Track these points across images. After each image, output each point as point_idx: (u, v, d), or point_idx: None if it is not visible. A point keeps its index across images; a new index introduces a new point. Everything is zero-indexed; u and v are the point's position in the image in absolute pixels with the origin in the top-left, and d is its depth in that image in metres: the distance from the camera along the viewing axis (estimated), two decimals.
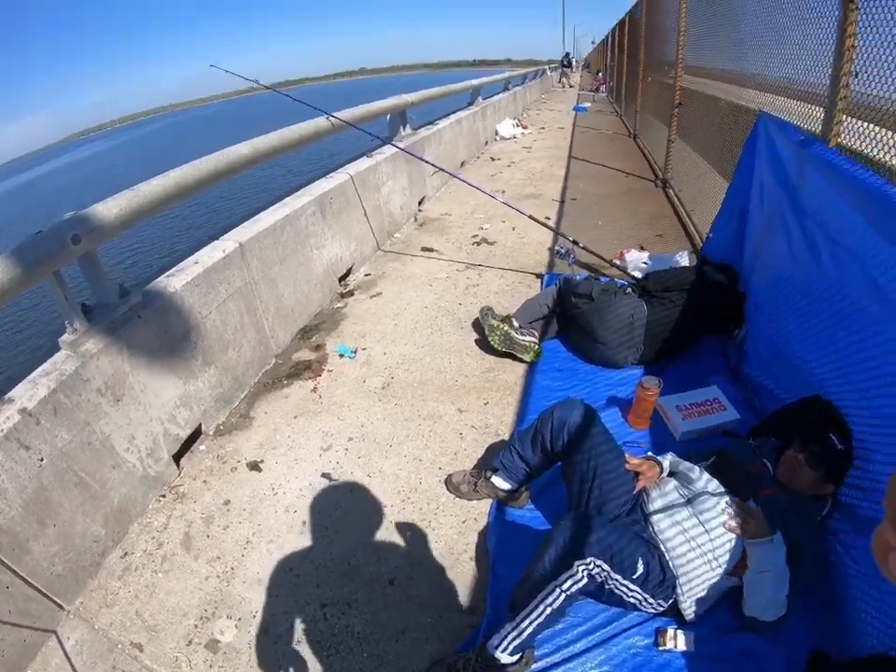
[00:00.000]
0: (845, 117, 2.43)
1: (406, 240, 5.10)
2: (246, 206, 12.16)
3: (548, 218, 5.53)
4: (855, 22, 2.27)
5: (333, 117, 4.23)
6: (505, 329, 3.14)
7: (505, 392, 2.90)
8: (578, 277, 3.43)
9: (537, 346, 3.15)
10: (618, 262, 4.28)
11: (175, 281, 2.56)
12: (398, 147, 5.05)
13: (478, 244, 4.93)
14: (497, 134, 10.71)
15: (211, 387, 2.72)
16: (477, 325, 3.49)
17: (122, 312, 2.27)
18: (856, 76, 2.32)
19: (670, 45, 6.77)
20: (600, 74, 26.67)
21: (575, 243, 4.18)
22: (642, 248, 4.61)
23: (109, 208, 2.23)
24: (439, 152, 6.76)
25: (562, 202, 6.29)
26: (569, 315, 3.17)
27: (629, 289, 3.23)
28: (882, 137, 2.09)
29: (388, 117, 5.63)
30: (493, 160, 8.85)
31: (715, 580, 1.67)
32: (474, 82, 9.53)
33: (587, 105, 17.44)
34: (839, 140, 2.46)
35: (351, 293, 4.07)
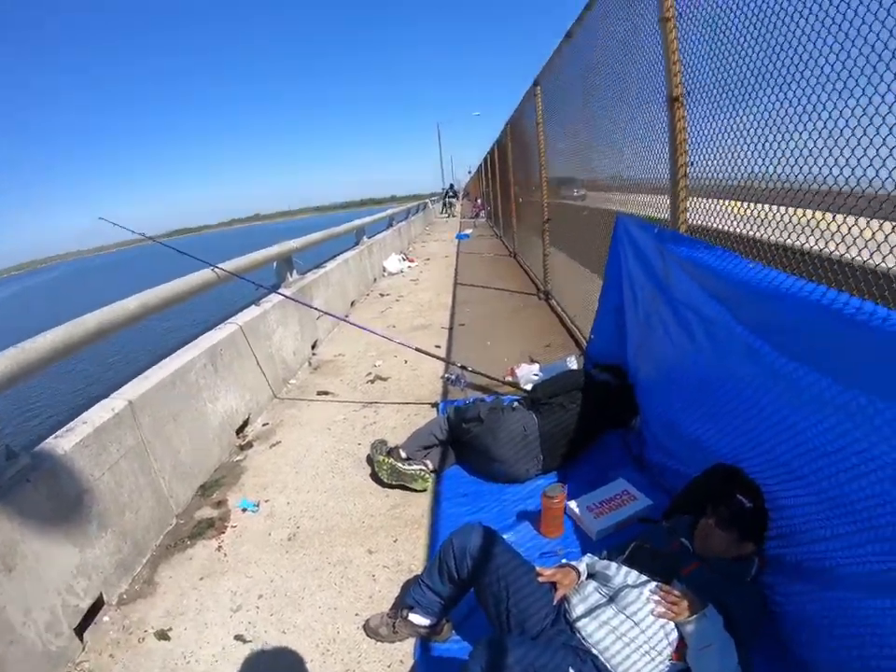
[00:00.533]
0: (689, 202, 2.85)
1: (302, 385, 5.24)
2: (136, 360, 12.12)
3: (438, 347, 5.86)
4: (683, 118, 2.76)
5: (218, 268, 4.43)
6: (390, 462, 3.25)
7: (413, 526, 2.97)
8: (468, 401, 3.64)
9: (426, 474, 3.25)
10: (510, 379, 4.54)
11: (65, 442, 2.53)
12: (283, 296, 5.27)
13: (372, 381, 5.13)
14: (384, 270, 11.33)
15: (110, 553, 2.64)
16: None
17: (10, 475, 2.22)
18: (691, 165, 2.77)
19: (533, 165, 7.63)
20: (479, 200, 28.32)
21: (464, 368, 4.46)
22: (532, 361, 4.96)
23: None
24: (328, 294, 7.09)
25: (450, 328, 6.70)
26: (464, 440, 3.28)
27: (516, 403, 3.43)
28: (717, 209, 2.51)
29: (275, 264, 5.86)
30: (382, 296, 9.32)
31: (659, 668, 1.64)
32: (357, 223, 10.13)
33: (469, 231, 18.72)
34: (688, 222, 2.85)
35: (250, 444, 4.11)
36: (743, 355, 2.09)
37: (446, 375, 4.55)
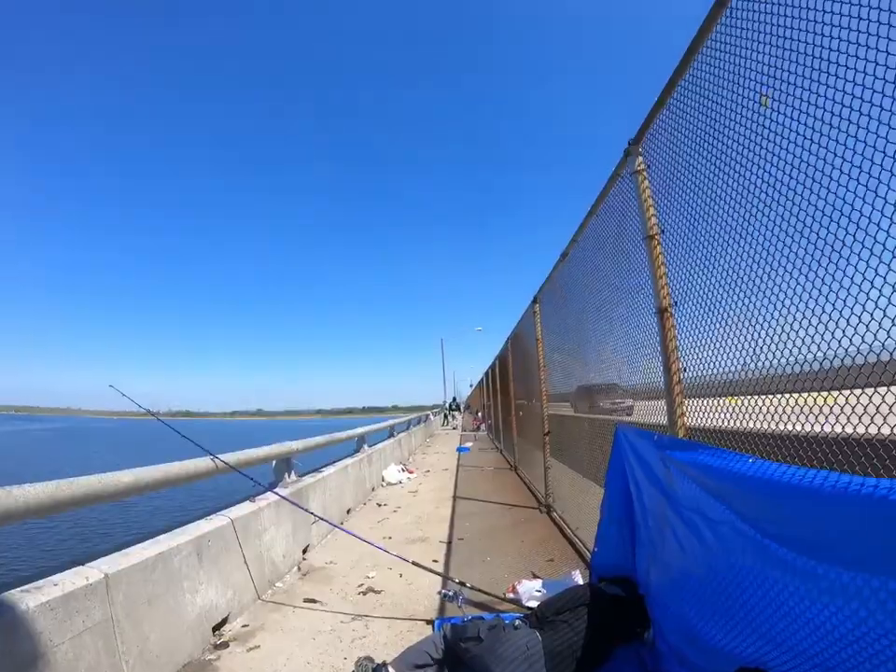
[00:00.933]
0: (685, 406, 2.97)
1: (288, 589, 4.97)
2: (120, 534, 11.75)
3: (435, 561, 5.67)
4: (674, 327, 2.98)
5: (218, 459, 4.40)
6: None
7: None
8: (466, 619, 3.46)
9: None
10: (511, 595, 4.35)
11: (30, 599, 2.44)
12: (280, 496, 5.18)
13: (364, 593, 4.88)
14: (383, 480, 11.21)
15: None
16: None
17: None
18: (684, 370, 2.93)
19: (533, 378, 7.96)
20: (479, 413, 29.25)
21: (462, 584, 4.30)
22: (535, 576, 4.82)
23: None
24: (325, 499, 6.97)
25: (449, 542, 6.49)
26: (462, 660, 3.07)
27: (518, 622, 3.25)
28: (712, 406, 2.66)
29: (273, 463, 5.82)
30: (380, 505, 9.13)
31: None
32: (359, 430, 10.24)
33: (469, 444, 18.96)
34: (686, 425, 2.95)
35: (226, 644, 3.82)
36: (753, 552, 2.07)
37: (443, 591, 4.32)
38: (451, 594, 4.18)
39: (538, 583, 4.50)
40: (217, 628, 3.96)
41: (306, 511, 5.46)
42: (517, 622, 3.26)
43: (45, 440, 66.24)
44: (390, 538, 6.70)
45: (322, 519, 5.53)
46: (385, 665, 3.17)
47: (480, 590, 4.23)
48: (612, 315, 4.24)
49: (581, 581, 4.28)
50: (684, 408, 2.97)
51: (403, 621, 4.21)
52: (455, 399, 37.96)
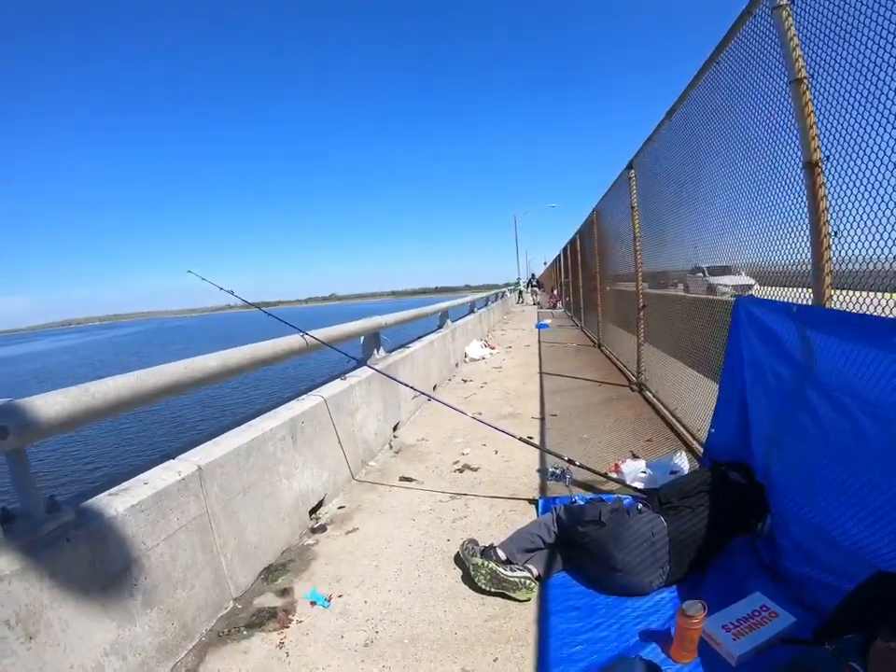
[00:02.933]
0: (834, 293, 2.51)
1: (382, 469, 4.91)
2: (211, 423, 12.09)
3: (531, 437, 5.40)
4: (824, 185, 2.49)
5: (308, 335, 4.25)
6: (490, 566, 2.90)
7: (517, 643, 2.52)
8: (578, 500, 3.34)
9: (530, 582, 2.85)
10: (615, 475, 4.17)
11: (118, 502, 2.27)
12: (374, 369, 5.07)
13: (460, 470, 4.75)
14: (466, 356, 11.10)
15: (152, 634, 2.31)
16: None
17: (49, 530, 1.96)
18: (835, 234, 2.45)
19: (626, 252, 7.55)
20: (555, 291, 29.05)
21: (570, 462, 4.04)
22: (635, 456, 4.60)
23: (50, 403, 2.03)
24: (413, 375, 6.84)
25: (542, 419, 6.29)
26: (578, 544, 2.92)
27: (640, 505, 3.03)
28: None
29: (362, 339, 5.72)
30: (465, 381, 9.02)
31: None
32: (443, 305, 10.03)
33: (548, 321, 18.68)
34: (832, 297, 2.51)
35: (323, 528, 3.76)
36: None
37: (551, 469, 4.15)
38: (558, 472, 4.04)
39: (641, 464, 4.28)
40: (313, 511, 3.90)
41: (400, 381, 5.33)
42: (640, 505, 3.02)
43: (127, 343, 69.34)
44: (480, 413, 6.50)
45: (420, 392, 5.33)
46: (493, 547, 3.02)
47: (586, 467, 3.99)
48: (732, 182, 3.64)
49: (684, 464, 4.13)
50: (831, 278, 2.51)
51: (505, 500, 4.06)
52: (533, 275, 37.90)
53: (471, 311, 14.44)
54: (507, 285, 41.24)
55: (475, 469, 4.73)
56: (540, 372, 9.28)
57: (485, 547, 3.06)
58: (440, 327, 10.08)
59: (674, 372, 5.60)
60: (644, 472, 4.14)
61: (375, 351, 5.86)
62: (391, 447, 5.46)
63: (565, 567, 3.02)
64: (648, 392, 6.94)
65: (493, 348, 12.10)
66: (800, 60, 2.59)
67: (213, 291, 4.38)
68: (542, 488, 4.24)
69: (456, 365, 10.22)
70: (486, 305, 18.23)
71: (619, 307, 9.14)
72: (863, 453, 2.18)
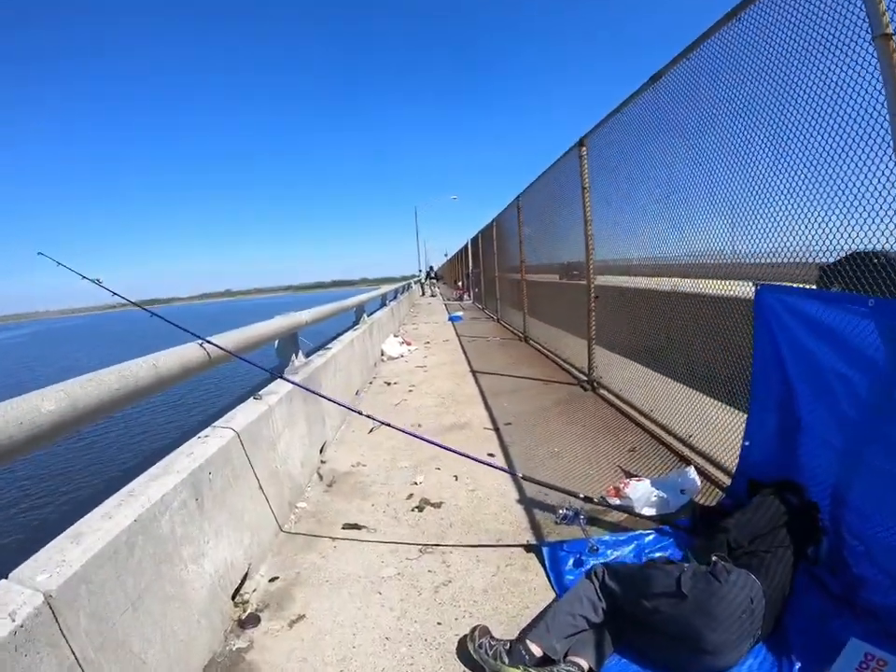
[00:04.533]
0: None
1: (316, 511, 3.76)
2: (69, 487, 7.68)
3: (492, 455, 4.49)
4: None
5: (210, 343, 3.10)
6: None
7: None
8: (595, 543, 2.91)
9: None
10: (616, 501, 3.44)
11: None
12: (295, 384, 3.88)
13: (419, 508, 3.72)
14: (383, 354, 10.00)
15: None
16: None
17: None
18: None
19: (569, 240, 7.17)
20: (459, 283, 29.31)
21: (588, 500, 3.18)
22: (629, 475, 3.91)
23: None
24: (336, 383, 5.70)
25: (496, 429, 5.36)
26: (643, 621, 2.26)
27: (718, 560, 2.34)
28: None
29: (277, 342, 4.50)
30: (388, 384, 7.94)
31: None
32: (362, 297, 9.14)
33: (460, 313, 18.00)
34: None
35: (256, 619, 2.61)
36: None
37: (562, 512, 3.25)
38: (570, 513, 3.19)
39: (646, 484, 3.53)
40: (237, 592, 2.73)
41: (336, 402, 4.01)
42: (720, 563, 2.28)
43: (19, 346, 61.19)
44: (420, 425, 5.55)
45: (355, 411, 4.10)
46: (521, 641, 2.21)
47: (606, 503, 3.27)
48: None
49: (695, 480, 3.58)
50: None
51: (492, 549, 3.10)
52: (431, 268, 38.42)
53: (383, 304, 13.55)
54: (404, 278, 41.79)
55: (437, 505, 3.71)
56: (472, 371, 8.41)
57: (510, 643, 2.23)
58: (356, 323, 8.97)
59: (641, 370, 5.15)
60: (659, 495, 3.42)
61: (294, 356, 4.70)
62: (321, 477, 4.32)
63: (616, 646, 2.31)
64: (604, 391, 6.31)
65: (409, 344, 11.06)
66: None
67: (97, 291, 3.19)
68: (534, 526, 3.34)
69: (375, 365, 9.12)
70: (396, 298, 17.42)
71: (555, 300, 8.60)
72: None
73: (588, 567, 2.66)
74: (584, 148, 6.09)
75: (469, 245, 23.22)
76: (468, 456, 3.29)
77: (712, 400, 4.17)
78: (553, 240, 7.98)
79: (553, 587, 2.74)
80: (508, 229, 12.22)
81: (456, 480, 4.11)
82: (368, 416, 3.56)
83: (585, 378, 6.81)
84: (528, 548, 3.08)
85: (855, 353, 2.43)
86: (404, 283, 26.27)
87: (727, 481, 3.61)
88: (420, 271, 40.67)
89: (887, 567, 2.30)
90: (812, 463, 2.84)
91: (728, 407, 3.87)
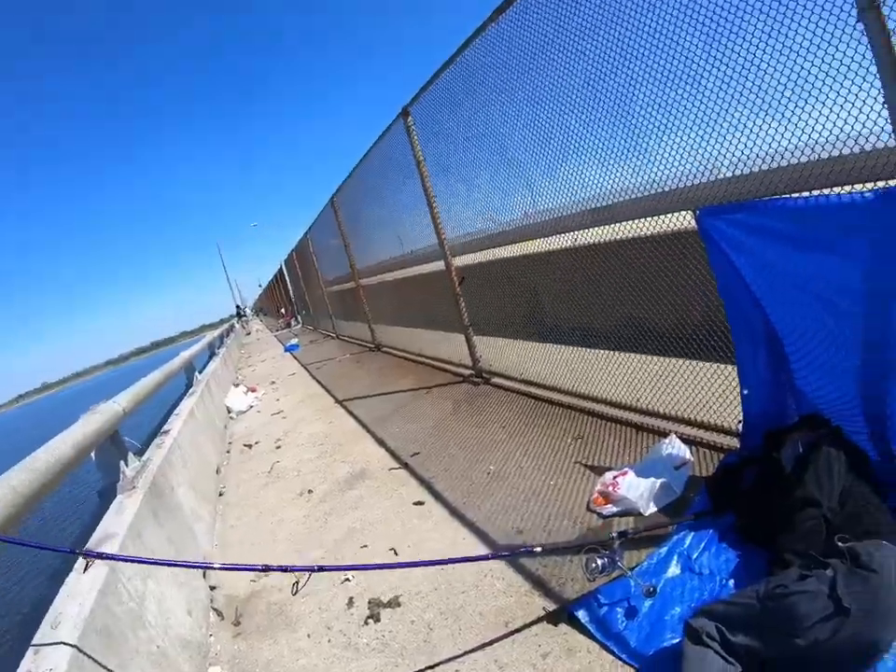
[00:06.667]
0: None
1: None
2: None
3: (420, 503, 3.62)
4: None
5: None
6: None
7: None
8: (636, 581, 2.22)
9: None
10: (612, 509, 2.91)
11: None
12: (114, 558, 2.59)
13: (373, 617, 2.63)
14: (230, 412, 8.49)
15: None
16: None
17: None
18: None
19: (415, 222, 6.62)
20: (283, 310, 28.98)
21: (622, 535, 2.39)
22: (603, 470, 3.30)
23: None
24: (191, 474, 4.34)
25: (404, 465, 4.40)
26: (797, 659, 1.76)
27: (853, 546, 1.91)
28: None
29: (93, 455, 3.23)
30: (249, 447, 6.56)
31: None
32: (188, 353, 7.83)
33: (295, 341, 17.02)
34: None
35: None
36: None
37: (594, 565, 2.26)
38: (604, 561, 2.28)
39: (632, 476, 2.97)
40: None
41: (249, 568, 2.82)
42: (859, 545, 1.89)
43: None
44: (310, 491, 4.42)
45: (265, 569, 2.77)
46: None
47: (641, 532, 2.52)
48: None
49: (682, 450, 3.11)
50: None
51: (509, 639, 2.21)
52: (238, 306, 39.02)
53: (213, 354, 12.06)
54: (224, 321, 42.14)
55: (394, 604, 2.66)
56: (339, 402, 7.33)
57: None
58: (189, 386, 7.49)
59: (536, 347, 4.91)
60: (653, 484, 2.89)
61: (123, 465, 3.38)
62: (220, 615, 3.03)
63: None
64: (499, 378, 5.69)
65: (255, 391, 9.60)
66: None
67: None
68: (539, 582, 2.50)
69: (226, 427, 7.67)
70: (223, 344, 15.80)
71: (408, 297, 8.07)
72: None
73: (676, 621, 2.06)
74: (410, 118, 5.40)
75: (284, 268, 22.40)
76: (462, 560, 2.45)
77: (638, 355, 3.84)
78: (392, 230, 7.20)
79: (617, 655, 2.00)
80: (326, 237, 11.30)
81: (397, 554, 3.12)
82: (294, 576, 2.37)
83: (471, 371, 6.15)
84: (553, 618, 2.24)
85: (844, 254, 2.19)
86: (228, 325, 24.89)
87: (711, 437, 3.24)
88: (237, 307, 40.03)
89: None
90: (823, 390, 2.60)
91: (663, 358, 3.61)
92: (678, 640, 1.92)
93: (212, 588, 3.28)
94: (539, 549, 2.43)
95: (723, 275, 2.73)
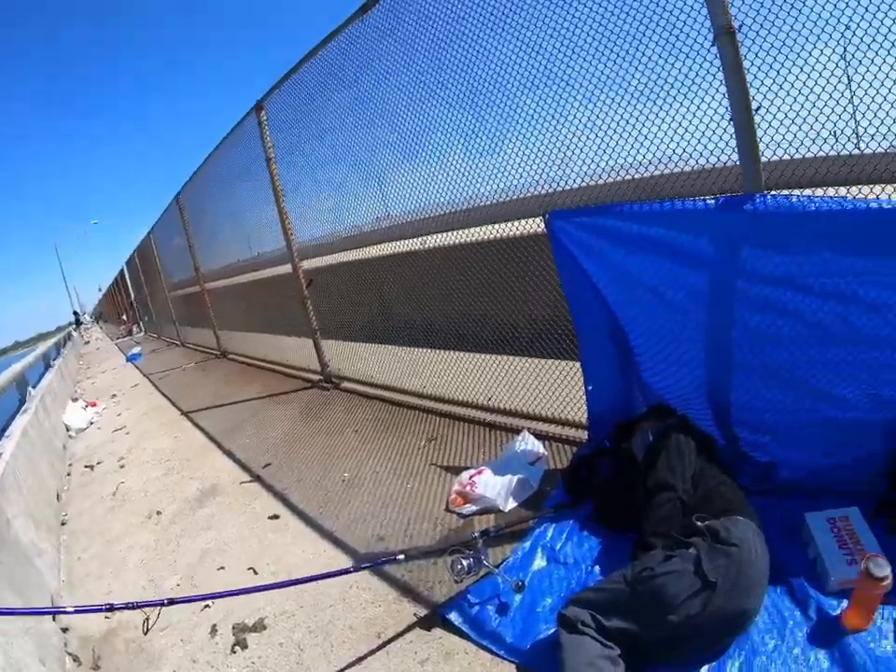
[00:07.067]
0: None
1: None
2: None
3: (276, 517, 3.61)
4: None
5: None
6: None
7: None
8: (501, 574, 2.37)
9: None
10: (472, 508, 2.99)
11: None
12: None
13: (239, 644, 2.54)
14: (69, 430, 7.80)
15: None
16: None
17: None
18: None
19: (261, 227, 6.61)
20: (124, 316, 27.47)
21: (484, 534, 2.48)
22: (457, 470, 3.42)
23: None
24: (28, 502, 3.98)
25: (257, 478, 4.30)
26: (675, 637, 1.88)
27: (710, 524, 2.06)
28: None
29: None
30: (91, 468, 6.04)
31: None
32: (18, 366, 7.26)
33: (137, 349, 15.96)
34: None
35: None
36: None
37: (459, 566, 2.32)
38: (470, 561, 2.34)
39: (489, 474, 3.08)
40: None
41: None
42: (716, 522, 2.05)
43: None
44: (159, 513, 4.20)
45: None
46: None
47: (504, 528, 2.65)
48: None
49: (536, 445, 3.29)
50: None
51: (382, 652, 2.23)
52: (76, 313, 36.64)
53: (48, 367, 11.04)
54: (59, 329, 39.73)
55: (259, 627, 2.59)
56: (184, 414, 7.03)
57: None
58: (22, 402, 6.81)
59: (385, 350, 5.08)
60: (510, 481, 3.00)
61: None
62: (77, 661, 2.76)
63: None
64: (349, 383, 5.79)
65: (94, 405, 8.89)
66: None
67: None
68: (407, 588, 2.55)
69: (64, 447, 7.01)
70: (59, 354, 14.60)
71: (254, 301, 8.15)
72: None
73: (548, 612, 2.18)
74: (264, 113, 5.30)
75: (126, 270, 20.90)
76: (325, 576, 2.42)
77: (487, 356, 4.01)
78: (240, 232, 7.01)
79: (494, 653, 2.08)
80: (170, 237, 10.76)
81: (257, 573, 3.06)
82: (143, 612, 2.23)
83: (320, 377, 6.16)
84: (425, 623, 2.30)
85: (681, 255, 2.43)
86: (65, 333, 23.12)
87: (563, 431, 3.44)
88: (75, 313, 37.46)
89: (797, 442, 2.48)
90: (668, 383, 2.87)
91: (512, 357, 3.79)
92: (553, 631, 2.00)
93: (64, 630, 3.03)
94: (402, 556, 2.45)
95: (569, 276, 2.90)
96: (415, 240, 4.11)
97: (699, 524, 2.03)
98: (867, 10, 1.84)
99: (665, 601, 1.86)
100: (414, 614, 2.36)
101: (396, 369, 4.97)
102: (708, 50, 2.25)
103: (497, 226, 3.51)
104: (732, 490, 2.25)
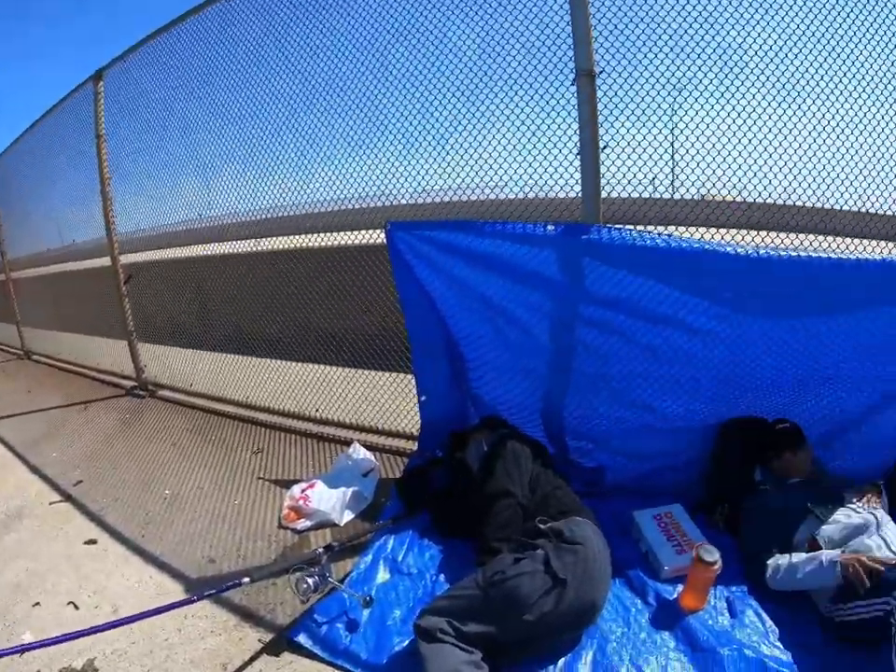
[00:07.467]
0: None
1: None
2: None
3: (93, 542, 3.29)
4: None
5: None
6: None
7: None
8: (348, 592, 2.37)
9: None
10: (307, 523, 2.98)
11: None
12: None
13: None
14: None
15: None
16: None
17: None
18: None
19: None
20: None
21: (329, 549, 2.47)
22: (287, 484, 3.36)
23: None
24: None
25: (68, 498, 3.88)
26: (534, 635, 2.01)
27: (553, 527, 2.23)
28: None
29: None
30: None
31: None
32: None
33: None
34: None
35: None
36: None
37: (305, 585, 2.26)
38: (316, 579, 2.31)
39: (322, 487, 3.09)
40: None
41: None
42: (559, 524, 2.23)
43: None
44: None
45: None
46: None
47: (346, 543, 2.67)
48: None
49: (368, 456, 3.34)
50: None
51: None
52: None
53: None
54: None
55: (89, 670, 2.36)
56: None
57: None
58: None
59: (207, 357, 4.90)
60: (344, 493, 3.04)
61: None
62: None
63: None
64: (166, 391, 5.50)
65: None
66: None
67: None
68: (247, 613, 2.49)
69: None
70: None
71: (66, 296, 7.42)
72: (713, 356, 2.48)
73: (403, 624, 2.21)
74: (102, 83, 4.79)
75: None
76: (169, 607, 2.22)
77: (315, 366, 4.02)
78: (60, 214, 6.40)
79: (351, 671, 2.07)
80: None
81: (78, 608, 2.78)
82: None
83: (135, 383, 5.79)
84: (272, 648, 2.24)
85: (524, 279, 2.59)
86: None
87: (394, 442, 3.54)
88: None
89: (623, 450, 2.80)
90: (501, 395, 3.02)
91: (341, 368, 3.84)
92: (407, 642, 2.05)
93: None
94: (247, 579, 2.32)
95: (406, 288, 2.95)
96: (246, 242, 4.04)
97: (542, 526, 2.19)
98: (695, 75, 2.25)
99: (519, 601, 1.96)
100: (259, 640, 2.30)
101: (218, 377, 4.80)
102: (567, 89, 2.48)
103: (329, 234, 3.53)
104: (567, 493, 2.44)
